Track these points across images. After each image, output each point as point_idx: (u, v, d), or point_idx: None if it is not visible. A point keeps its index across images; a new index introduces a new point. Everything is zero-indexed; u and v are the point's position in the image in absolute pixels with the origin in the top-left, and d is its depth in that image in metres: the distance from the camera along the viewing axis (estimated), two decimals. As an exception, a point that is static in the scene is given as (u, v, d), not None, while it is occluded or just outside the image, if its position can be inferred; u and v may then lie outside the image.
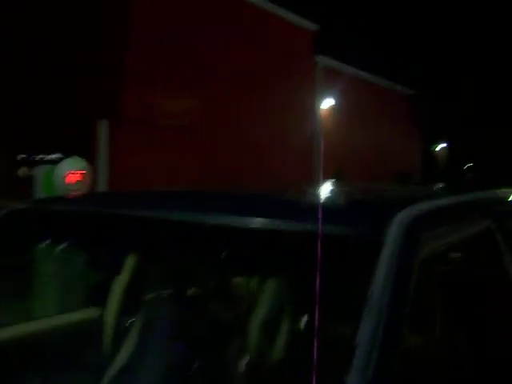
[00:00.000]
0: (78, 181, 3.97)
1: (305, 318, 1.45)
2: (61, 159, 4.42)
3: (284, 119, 15.78)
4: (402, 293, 0.90)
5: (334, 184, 1.96)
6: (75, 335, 2.32)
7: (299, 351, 1.72)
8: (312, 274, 1.31)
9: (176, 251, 2.26)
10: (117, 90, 11.28)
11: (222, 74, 13.65)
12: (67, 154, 4.48)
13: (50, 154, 9.91)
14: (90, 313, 2.35)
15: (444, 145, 26.26)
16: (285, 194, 1.79)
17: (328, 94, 18.10)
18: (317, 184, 1.98)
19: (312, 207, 1.28)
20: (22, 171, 7.24)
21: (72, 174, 3.93)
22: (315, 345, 0.91)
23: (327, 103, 18.32)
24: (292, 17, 16.40)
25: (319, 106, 18.03)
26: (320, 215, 1.11)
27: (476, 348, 1.39)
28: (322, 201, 1.47)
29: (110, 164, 11.18)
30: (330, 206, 1.28)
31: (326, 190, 1.78)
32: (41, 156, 9.67)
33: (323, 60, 18.41)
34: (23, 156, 10.86)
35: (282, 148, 15.48)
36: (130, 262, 2.31)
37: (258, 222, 1.42)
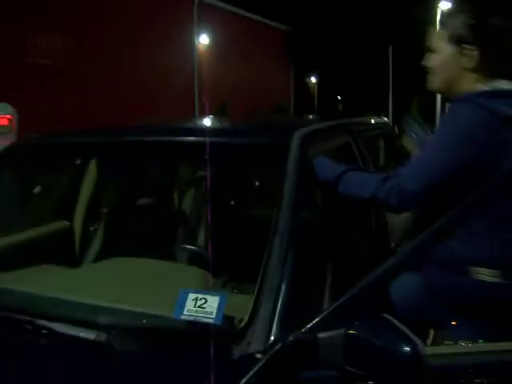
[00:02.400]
0: (5, 125, 4.47)
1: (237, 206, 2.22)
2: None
3: (165, 56, 16.12)
4: (303, 170, 1.75)
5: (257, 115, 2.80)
6: (50, 242, 2.92)
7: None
8: (246, 171, 2.12)
9: (129, 168, 2.94)
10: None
11: (98, 11, 13.62)
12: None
13: None
14: (61, 224, 2.99)
15: (315, 79, 27.67)
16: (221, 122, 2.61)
17: (207, 31, 18.54)
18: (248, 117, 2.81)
19: (245, 129, 2.09)
20: None
21: (0, 117, 4.41)
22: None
23: (206, 39, 18.76)
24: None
25: (198, 41, 18.46)
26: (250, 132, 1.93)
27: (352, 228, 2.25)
28: (250, 125, 2.30)
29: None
30: (257, 127, 2.13)
31: (254, 119, 2.63)
32: None
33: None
34: None
35: (164, 84, 15.87)
36: (91, 180, 2.97)
37: (199, 139, 1.97)
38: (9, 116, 4.43)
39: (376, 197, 1.70)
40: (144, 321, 1.36)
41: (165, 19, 16.09)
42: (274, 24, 23.22)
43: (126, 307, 1.41)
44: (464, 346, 1.27)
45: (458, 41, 1.77)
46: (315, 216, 1.85)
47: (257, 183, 2.02)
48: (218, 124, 2.63)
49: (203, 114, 17.84)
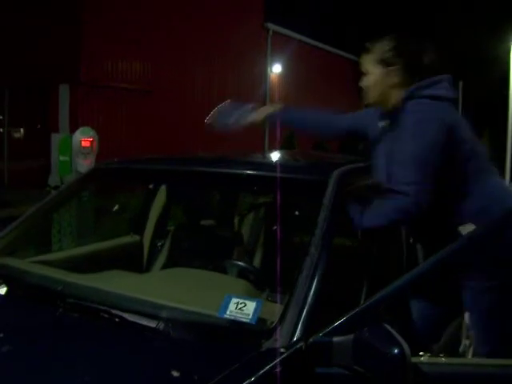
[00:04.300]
0: (87, 147, 5.03)
1: (283, 232, 2.52)
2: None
3: (237, 84, 16.77)
4: (337, 204, 2.05)
5: (304, 153, 3.16)
6: (123, 253, 3.33)
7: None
8: (289, 203, 2.44)
9: (194, 193, 3.33)
10: (76, 57, 12.05)
11: (175, 41, 14.40)
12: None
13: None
14: (132, 238, 3.42)
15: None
16: (272, 156, 2.97)
17: (279, 60, 19.06)
18: (295, 153, 3.17)
19: (293, 165, 2.42)
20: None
21: (84, 140, 4.98)
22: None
23: (278, 68, 19.26)
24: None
25: (270, 70, 19.01)
26: (297, 168, 2.26)
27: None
28: (297, 161, 2.65)
29: (70, 125, 11.96)
30: (302, 164, 2.47)
31: (300, 156, 2.99)
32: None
33: (273, 27, 19.28)
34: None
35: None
36: (160, 201, 3.39)
37: (255, 172, 2.36)
38: (91, 139, 4.99)
39: (397, 219, 2.02)
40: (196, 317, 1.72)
41: (238, 48, 16.75)
42: (344, 54, 23.53)
43: (181, 306, 1.76)
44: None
45: (383, 62, 2.13)
46: (345, 243, 2.15)
47: (296, 212, 2.34)
48: (274, 159, 2.98)
49: (272, 145, 18.38)
